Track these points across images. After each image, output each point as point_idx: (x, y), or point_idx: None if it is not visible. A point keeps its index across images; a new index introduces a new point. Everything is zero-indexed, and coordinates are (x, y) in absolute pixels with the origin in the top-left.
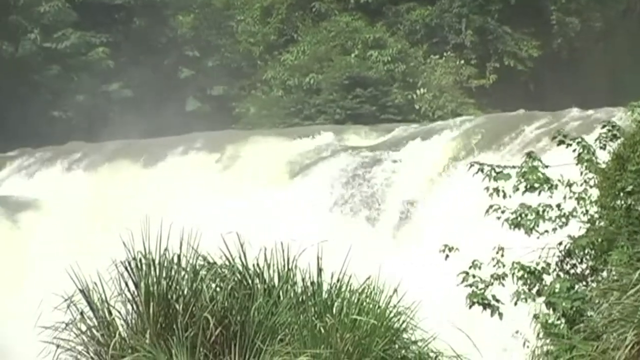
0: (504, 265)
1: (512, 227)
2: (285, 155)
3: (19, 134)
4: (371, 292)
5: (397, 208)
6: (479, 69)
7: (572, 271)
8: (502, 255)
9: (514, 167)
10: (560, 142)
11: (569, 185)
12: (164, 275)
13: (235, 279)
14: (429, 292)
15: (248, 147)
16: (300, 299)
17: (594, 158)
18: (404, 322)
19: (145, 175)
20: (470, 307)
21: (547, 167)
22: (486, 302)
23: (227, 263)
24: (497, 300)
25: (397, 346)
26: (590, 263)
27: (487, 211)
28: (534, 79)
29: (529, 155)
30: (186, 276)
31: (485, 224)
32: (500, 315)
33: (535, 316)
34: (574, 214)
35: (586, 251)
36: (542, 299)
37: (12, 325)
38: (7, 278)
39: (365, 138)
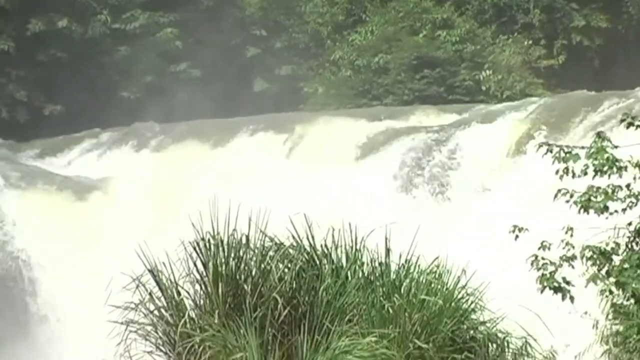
0: (573, 247)
1: (582, 209)
2: (353, 136)
3: (88, 114)
4: (439, 273)
5: (465, 188)
6: (547, 49)
7: None
8: (572, 236)
9: (583, 147)
10: (629, 125)
11: (639, 165)
12: (232, 255)
13: (303, 259)
14: (498, 273)
15: (316, 127)
16: (368, 280)
17: None
18: (472, 302)
19: (213, 156)
20: (541, 291)
21: (616, 147)
22: (557, 285)
23: (295, 244)
24: (568, 283)
25: (465, 327)
26: None
27: (556, 195)
28: (603, 57)
29: (598, 135)
30: (254, 257)
31: (554, 205)
32: (572, 298)
33: (605, 297)
34: None
35: None
36: (612, 279)
37: (82, 305)
38: (76, 258)
39: (434, 119)
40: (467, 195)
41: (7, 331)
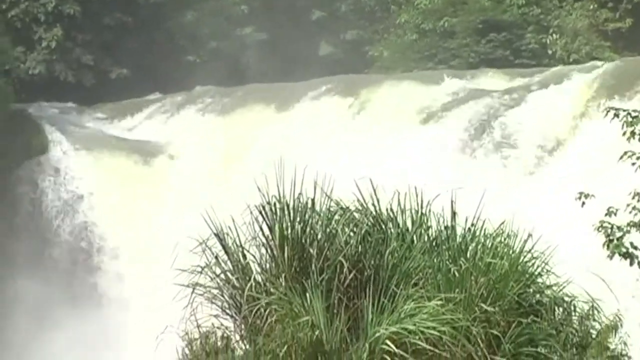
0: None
1: None
2: (418, 99)
3: (153, 78)
4: (505, 237)
5: (531, 152)
6: (614, 12)
7: None
8: (639, 201)
9: None
10: None
11: None
12: (298, 219)
13: (369, 223)
14: (564, 237)
15: (381, 91)
16: (433, 243)
17: None
18: (538, 266)
19: (278, 120)
20: (611, 258)
21: None
22: (625, 250)
23: (360, 208)
24: (635, 248)
25: (531, 290)
26: None
27: (622, 157)
28: None
29: None
30: (320, 220)
31: (620, 170)
32: None
33: None
34: None
35: None
36: None
37: (148, 268)
38: (142, 222)
39: (500, 82)
40: (533, 159)
41: (76, 292)
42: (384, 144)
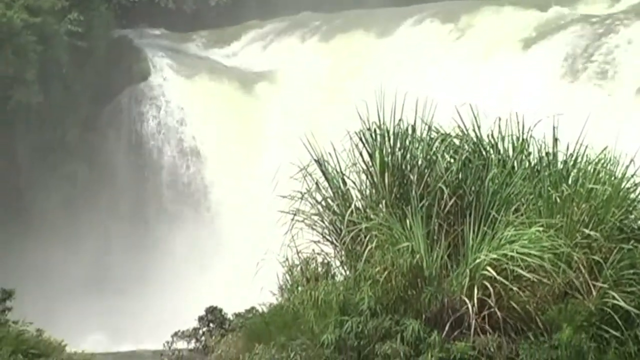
0: None
1: None
2: (520, 25)
3: (254, 5)
4: (608, 163)
5: (634, 78)
6: None
7: None
8: None
9: None
10: None
11: None
12: (398, 145)
13: (469, 149)
14: None
15: (482, 17)
16: (535, 170)
17: None
18: None
19: (379, 45)
20: None
21: None
22: None
23: (461, 134)
24: None
25: (633, 216)
26: None
27: None
28: None
29: None
30: (420, 147)
31: None
32: None
33: None
34: None
35: None
36: None
37: (248, 194)
38: (243, 147)
39: (603, 8)
40: (637, 85)
41: (176, 211)
42: (485, 70)
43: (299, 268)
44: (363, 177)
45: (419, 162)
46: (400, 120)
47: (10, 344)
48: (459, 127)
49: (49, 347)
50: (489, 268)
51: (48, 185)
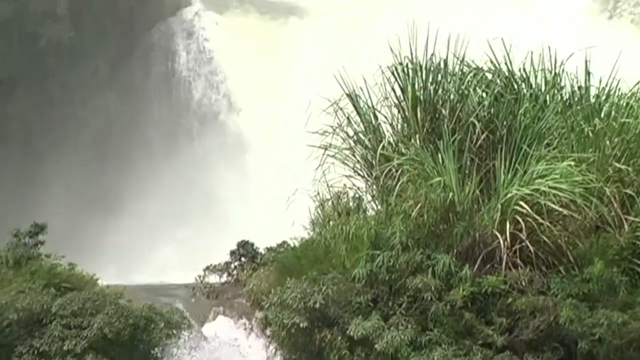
0: None
1: None
2: None
3: None
4: None
5: None
6: None
7: None
8: None
9: None
10: None
11: None
12: (430, 80)
13: (502, 84)
14: None
15: None
16: (567, 104)
17: None
18: None
19: None
20: None
21: None
22: None
23: (493, 68)
24: None
25: None
26: None
27: None
28: None
29: None
30: (452, 81)
31: None
32: None
33: None
34: None
35: None
36: None
37: (281, 129)
38: (274, 81)
39: None
40: None
41: (207, 146)
42: (517, 3)
43: (330, 202)
44: (395, 111)
45: (451, 97)
46: (432, 54)
47: (43, 277)
48: (491, 61)
49: (81, 280)
50: (520, 202)
51: (79, 120)
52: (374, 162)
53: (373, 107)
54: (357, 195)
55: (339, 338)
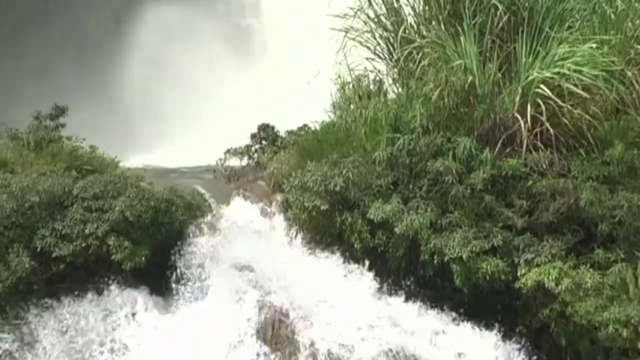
0: None
1: None
2: None
3: None
4: None
5: None
6: None
7: None
8: None
9: None
10: None
11: None
12: None
13: None
14: None
15: None
16: None
17: None
18: None
19: None
20: None
21: None
22: None
23: None
24: None
25: None
26: None
27: None
28: None
29: None
30: None
31: None
32: None
33: None
34: None
35: None
36: None
37: (301, 10)
38: None
39: None
40: None
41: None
42: None
43: (351, 85)
44: None
45: None
46: None
47: (64, 160)
48: None
49: (102, 163)
50: (541, 85)
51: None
52: (395, 44)
53: None
54: (377, 78)
55: (360, 221)
